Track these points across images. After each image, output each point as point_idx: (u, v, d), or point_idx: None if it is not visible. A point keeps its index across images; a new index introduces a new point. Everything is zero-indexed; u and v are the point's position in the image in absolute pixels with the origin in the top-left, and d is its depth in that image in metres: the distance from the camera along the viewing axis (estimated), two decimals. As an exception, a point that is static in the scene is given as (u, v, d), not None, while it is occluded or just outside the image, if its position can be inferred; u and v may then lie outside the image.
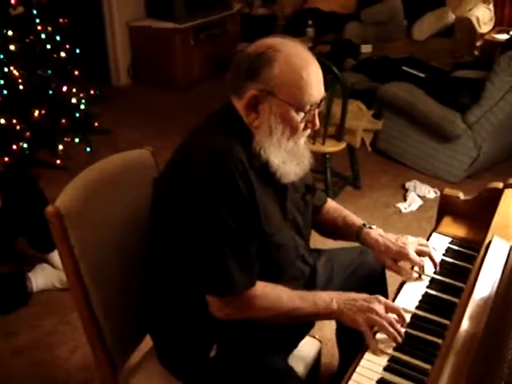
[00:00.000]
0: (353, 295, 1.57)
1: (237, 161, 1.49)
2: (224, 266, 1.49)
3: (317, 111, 1.58)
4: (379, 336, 1.48)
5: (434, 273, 1.74)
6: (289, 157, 1.58)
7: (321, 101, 1.57)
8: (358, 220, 1.89)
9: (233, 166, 1.47)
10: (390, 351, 1.43)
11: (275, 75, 1.49)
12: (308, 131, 1.62)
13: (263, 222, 1.55)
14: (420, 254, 1.75)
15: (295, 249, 1.71)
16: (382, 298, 1.54)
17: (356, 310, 1.51)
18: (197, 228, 1.49)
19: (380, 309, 1.49)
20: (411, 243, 1.76)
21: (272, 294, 1.56)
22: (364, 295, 1.57)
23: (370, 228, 1.84)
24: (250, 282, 1.53)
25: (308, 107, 1.53)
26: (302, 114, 1.54)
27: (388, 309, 1.51)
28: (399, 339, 1.45)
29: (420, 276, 1.72)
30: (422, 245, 1.77)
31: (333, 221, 1.92)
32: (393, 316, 1.50)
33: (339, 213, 1.93)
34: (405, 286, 1.70)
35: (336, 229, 1.92)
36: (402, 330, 1.48)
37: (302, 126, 1.56)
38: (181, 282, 1.62)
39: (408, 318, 1.54)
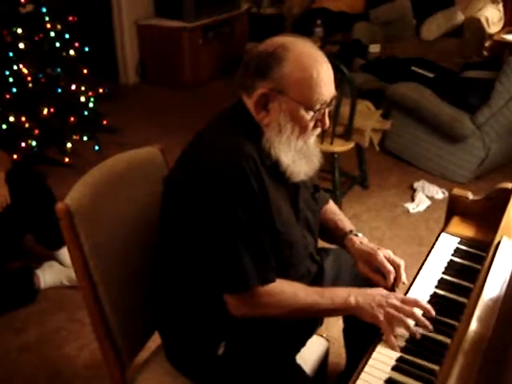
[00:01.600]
0: (369, 290, 1.57)
1: (249, 158, 1.49)
2: (238, 262, 1.49)
3: (327, 110, 1.58)
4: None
5: (442, 273, 1.74)
6: (298, 156, 1.58)
7: (331, 100, 1.57)
8: (348, 226, 1.87)
9: (245, 163, 1.47)
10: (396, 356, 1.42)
11: (285, 74, 1.50)
12: (318, 130, 1.62)
13: (276, 220, 1.55)
14: (391, 263, 1.69)
15: (305, 247, 1.71)
16: (398, 294, 1.55)
17: (375, 306, 1.51)
18: (210, 225, 1.49)
19: (398, 303, 1.50)
20: (384, 251, 1.72)
21: (289, 290, 1.56)
22: (381, 290, 1.57)
23: (356, 235, 1.81)
24: (266, 278, 1.53)
25: (318, 106, 1.53)
26: (311, 113, 1.54)
27: (406, 303, 1.51)
28: (417, 334, 1.45)
29: (393, 289, 1.66)
30: (395, 258, 1.71)
31: (326, 222, 1.91)
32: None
33: (333, 216, 1.92)
34: (413, 286, 1.69)
35: (326, 230, 1.91)
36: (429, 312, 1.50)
37: (311, 124, 1.56)
38: (190, 279, 1.62)
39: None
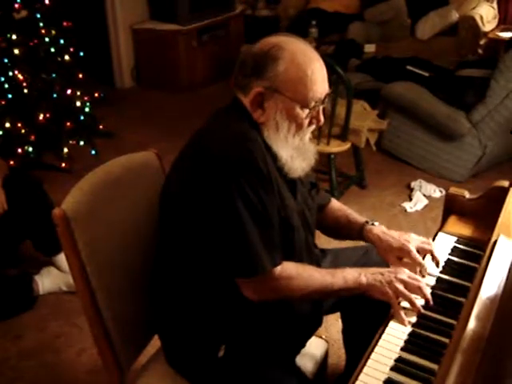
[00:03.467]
0: (378, 269, 1.62)
1: (256, 142, 1.52)
2: (253, 245, 1.49)
3: (321, 107, 1.61)
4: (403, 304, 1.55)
5: (440, 272, 1.74)
6: (296, 152, 1.61)
7: (325, 97, 1.60)
8: (360, 218, 1.90)
9: (253, 147, 1.50)
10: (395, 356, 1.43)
11: (280, 73, 1.53)
12: (313, 127, 1.64)
13: (280, 205, 1.57)
14: (422, 251, 1.74)
15: (305, 239, 1.72)
16: (405, 269, 1.60)
17: (385, 282, 1.56)
18: (221, 208, 1.49)
19: (407, 278, 1.56)
20: (414, 240, 1.76)
21: (305, 272, 1.58)
22: (391, 268, 1.65)
23: (373, 225, 1.85)
24: (276, 260, 1.54)
25: (313, 103, 1.56)
26: (306, 111, 1.57)
27: (413, 279, 1.57)
28: (420, 309, 1.53)
29: (423, 276, 1.70)
30: (424, 242, 1.77)
31: (336, 220, 1.93)
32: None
33: (343, 212, 1.94)
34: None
35: (339, 227, 1.93)
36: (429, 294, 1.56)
37: (306, 122, 1.60)
38: (191, 281, 1.62)
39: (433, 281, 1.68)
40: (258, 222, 1.50)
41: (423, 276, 1.69)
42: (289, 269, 1.56)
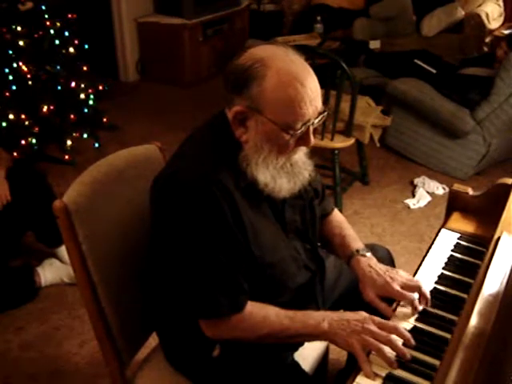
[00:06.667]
0: (346, 315, 1.48)
1: (219, 184, 1.43)
2: (207, 289, 1.46)
3: (311, 128, 1.47)
4: (373, 357, 1.39)
5: (443, 268, 1.73)
6: (279, 173, 1.51)
7: (319, 114, 1.47)
8: (355, 244, 1.77)
9: (216, 190, 1.42)
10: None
11: (262, 92, 1.40)
12: (304, 148, 1.54)
13: (251, 244, 1.50)
14: (408, 290, 1.58)
15: (295, 260, 1.65)
16: (376, 318, 1.45)
17: (350, 332, 1.42)
18: (180, 250, 1.47)
19: (375, 329, 1.41)
20: (400, 278, 1.61)
21: (259, 314, 1.51)
22: (357, 315, 1.47)
23: (363, 255, 1.71)
24: (237, 306, 1.49)
25: (299, 126, 1.43)
26: (290, 134, 1.44)
27: (384, 329, 1.42)
28: (394, 364, 1.36)
29: (415, 313, 1.55)
30: (410, 280, 1.61)
31: (331, 236, 1.84)
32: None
33: (340, 230, 1.84)
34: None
35: (331, 244, 1.84)
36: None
37: (292, 143, 1.47)
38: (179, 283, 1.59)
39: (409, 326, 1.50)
40: (214, 265, 1.45)
41: (415, 313, 1.55)
42: (245, 311, 1.51)
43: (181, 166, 1.51)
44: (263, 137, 1.45)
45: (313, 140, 1.50)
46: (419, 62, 4.95)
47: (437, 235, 1.91)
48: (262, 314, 1.51)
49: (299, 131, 1.44)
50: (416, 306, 1.54)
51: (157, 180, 1.55)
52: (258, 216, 1.54)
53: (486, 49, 5.77)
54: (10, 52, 3.81)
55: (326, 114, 1.50)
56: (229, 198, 1.44)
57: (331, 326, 1.46)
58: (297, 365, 1.73)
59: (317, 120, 1.48)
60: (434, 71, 4.85)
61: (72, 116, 4.21)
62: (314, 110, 1.44)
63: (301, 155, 1.55)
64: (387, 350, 1.37)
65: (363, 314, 1.47)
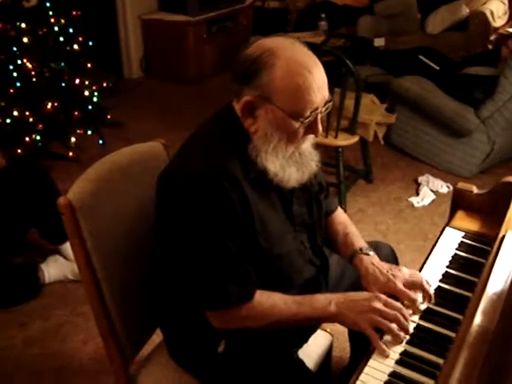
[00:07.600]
0: (352, 296, 1.52)
1: (230, 176, 1.45)
2: (215, 279, 1.48)
3: (319, 116, 1.50)
4: (386, 337, 1.43)
5: (447, 267, 1.73)
6: (288, 163, 1.53)
7: (325, 103, 1.50)
8: (358, 242, 1.78)
9: (226, 182, 1.44)
10: (400, 349, 1.39)
11: (271, 81, 1.43)
12: (312, 136, 1.56)
13: (259, 235, 1.52)
14: (411, 287, 1.59)
15: (301, 254, 1.67)
16: (381, 296, 1.49)
17: (357, 312, 1.46)
18: (188, 242, 1.48)
19: (382, 307, 1.45)
20: (402, 275, 1.61)
21: (267, 302, 1.53)
22: (363, 294, 1.52)
23: (366, 254, 1.71)
24: (246, 295, 1.51)
25: (307, 113, 1.46)
26: (300, 121, 1.47)
27: (389, 307, 1.46)
28: (402, 339, 1.42)
29: (415, 314, 1.54)
30: (412, 276, 1.62)
31: (334, 234, 1.85)
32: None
33: (343, 228, 1.84)
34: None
35: (335, 243, 1.85)
36: (412, 322, 1.47)
37: (301, 132, 1.50)
38: (185, 279, 1.60)
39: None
40: (224, 255, 1.46)
41: (415, 313, 1.54)
42: (254, 300, 1.52)
43: (189, 160, 1.52)
44: (273, 125, 1.48)
45: (320, 129, 1.53)
46: (423, 59, 4.94)
47: (441, 233, 1.91)
48: (270, 301, 1.53)
49: (308, 119, 1.47)
50: (418, 306, 1.55)
51: (163, 174, 1.56)
52: (268, 208, 1.56)
53: (490, 46, 5.76)
54: (15, 49, 3.80)
55: (331, 103, 1.54)
56: (239, 189, 1.46)
57: (339, 308, 1.49)
58: (301, 362, 1.73)
59: (324, 108, 1.50)
60: (437, 68, 4.84)
61: (76, 113, 4.21)
62: (321, 98, 1.47)
63: (308, 145, 1.58)
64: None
65: (369, 294, 1.52)
